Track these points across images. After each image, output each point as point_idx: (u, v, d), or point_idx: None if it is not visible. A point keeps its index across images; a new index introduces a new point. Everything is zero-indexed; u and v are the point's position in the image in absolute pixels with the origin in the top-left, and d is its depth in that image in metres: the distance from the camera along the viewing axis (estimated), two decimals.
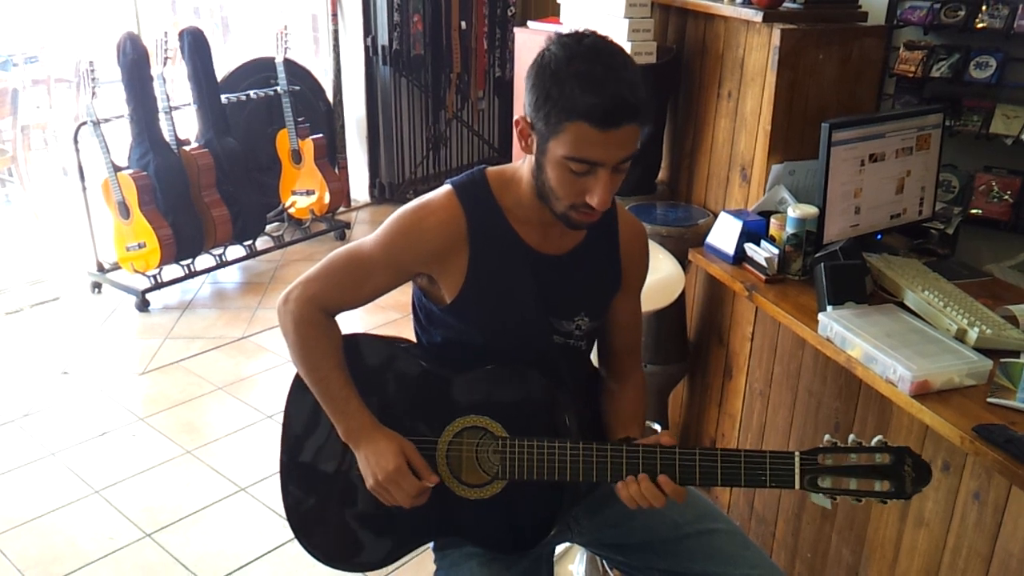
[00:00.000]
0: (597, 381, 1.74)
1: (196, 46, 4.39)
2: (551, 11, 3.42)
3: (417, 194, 1.55)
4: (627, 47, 2.53)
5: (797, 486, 1.40)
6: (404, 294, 1.64)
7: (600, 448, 1.45)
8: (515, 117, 1.43)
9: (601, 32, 1.40)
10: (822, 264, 1.92)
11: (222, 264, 4.57)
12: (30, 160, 6.06)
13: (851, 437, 1.40)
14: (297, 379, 1.59)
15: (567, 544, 2.41)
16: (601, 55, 1.34)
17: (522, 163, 1.51)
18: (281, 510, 1.64)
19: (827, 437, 1.41)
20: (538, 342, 1.56)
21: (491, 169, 1.55)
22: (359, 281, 1.54)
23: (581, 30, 1.39)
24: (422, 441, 1.53)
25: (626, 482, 1.43)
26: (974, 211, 3.25)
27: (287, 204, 4.96)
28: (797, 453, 1.40)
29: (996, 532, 1.71)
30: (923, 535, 1.91)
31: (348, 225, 5.21)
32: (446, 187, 1.53)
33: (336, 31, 5.27)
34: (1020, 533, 1.66)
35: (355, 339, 1.59)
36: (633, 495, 1.43)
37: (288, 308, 1.54)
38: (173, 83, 4.40)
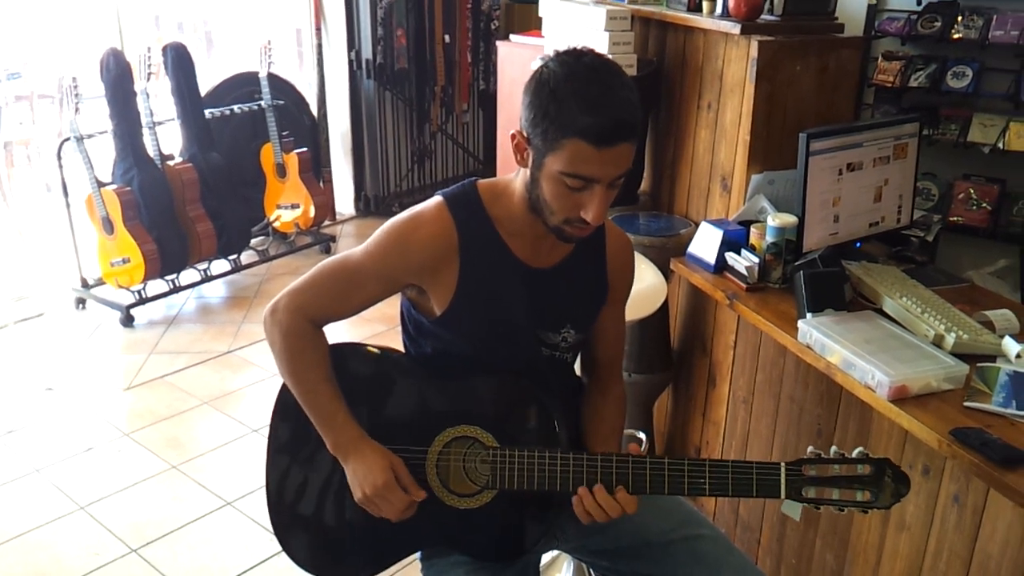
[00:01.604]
0: (581, 392, 1.75)
1: (179, 61, 4.40)
2: (534, 25, 3.45)
3: (403, 207, 1.56)
4: None
5: (783, 496, 1.42)
6: (390, 307, 1.66)
7: (590, 458, 1.47)
8: (511, 131, 1.44)
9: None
10: (801, 272, 1.95)
11: (207, 279, 4.56)
12: (13, 177, 6.04)
13: (833, 448, 1.43)
14: (282, 392, 1.60)
15: (554, 553, 2.42)
16: (599, 74, 1.36)
17: (514, 176, 1.53)
18: (268, 524, 1.64)
19: (811, 448, 1.43)
20: (526, 354, 1.58)
21: (482, 182, 1.57)
22: (348, 292, 1.54)
23: (579, 47, 1.41)
24: (412, 451, 1.54)
25: (581, 494, 1.46)
26: (953, 219, 3.28)
27: (272, 218, 4.96)
28: (783, 464, 1.42)
29: (975, 534, 1.73)
30: (905, 539, 1.93)
31: (333, 238, 5.22)
32: (437, 199, 1.54)
33: (320, 45, 5.29)
34: (998, 535, 1.69)
35: (343, 349, 1.60)
36: (589, 507, 1.46)
37: (276, 319, 1.54)
38: (157, 98, 4.39)
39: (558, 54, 1.40)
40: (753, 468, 1.44)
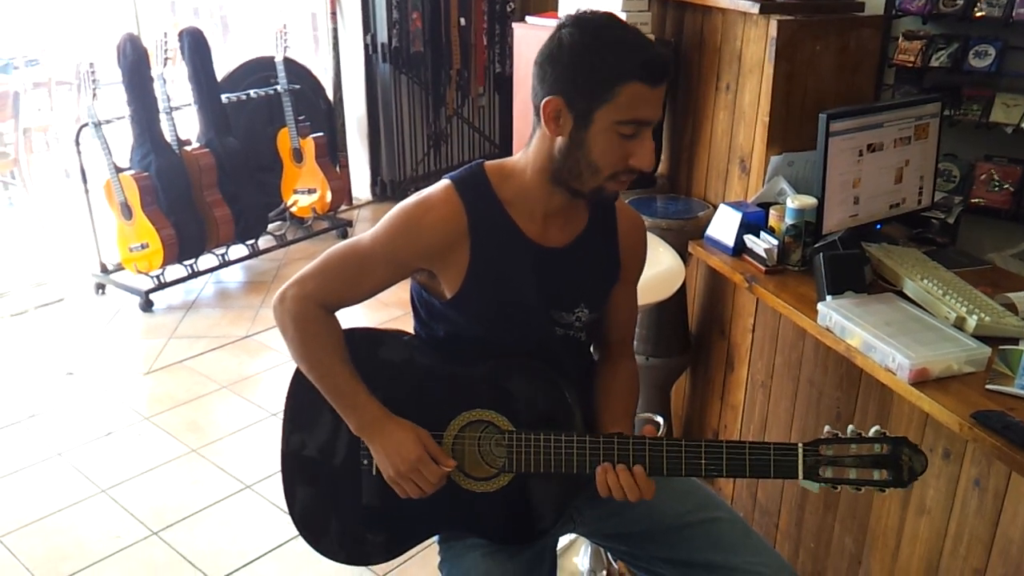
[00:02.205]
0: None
1: (196, 46, 4.40)
2: (550, 6, 3.43)
3: (418, 191, 1.55)
4: None
5: (800, 477, 1.41)
6: (406, 290, 1.65)
7: (607, 441, 1.47)
8: (545, 99, 1.41)
9: None
10: (821, 254, 1.93)
11: (225, 264, 4.59)
12: (32, 163, 6.08)
13: (850, 428, 1.41)
14: (295, 376, 1.60)
15: (572, 536, 2.43)
16: (618, 22, 1.41)
17: (522, 155, 1.52)
18: (287, 507, 1.65)
19: (827, 428, 1.42)
20: (540, 334, 1.57)
21: (489, 163, 1.56)
22: (358, 277, 1.54)
23: (582, 9, 1.43)
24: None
25: (605, 468, 1.46)
26: (975, 200, 3.24)
27: (289, 203, 4.97)
28: (800, 444, 1.41)
29: (997, 518, 1.72)
30: (925, 523, 1.92)
31: (350, 223, 5.22)
32: (445, 182, 1.54)
33: (335, 29, 5.28)
34: (1020, 519, 1.67)
35: (355, 334, 1.59)
36: (610, 483, 1.45)
37: (285, 306, 1.53)
38: (173, 83, 4.41)
39: (571, 18, 1.42)
40: (770, 449, 1.43)
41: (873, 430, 1.41)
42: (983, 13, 3.12)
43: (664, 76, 1.39)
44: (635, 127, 1.40)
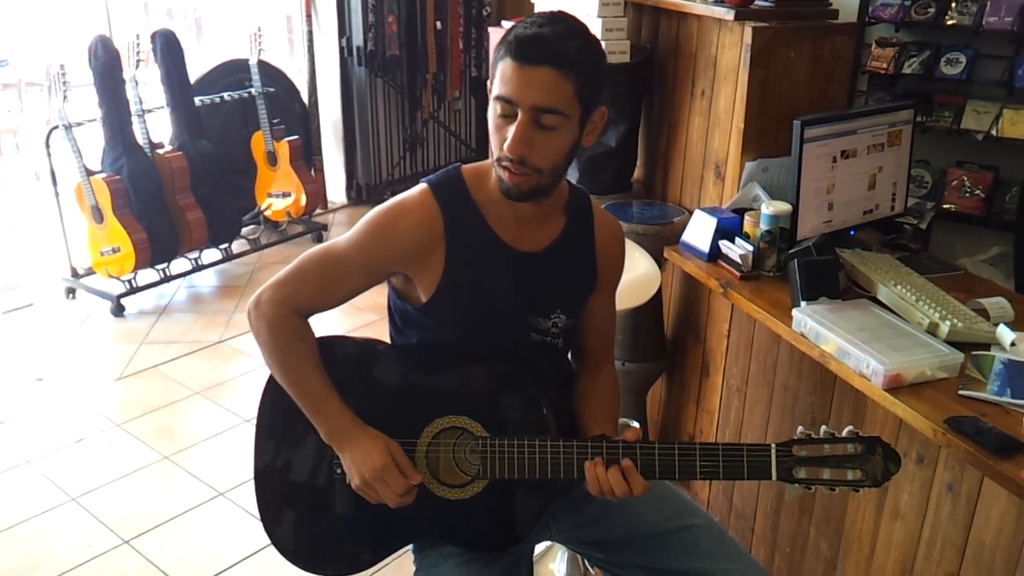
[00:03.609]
0: (573, 378, 1.74)
1: (169, 48, 4.36)
2: (526, 11, 3.43)
3: (394, 195, 1.55)
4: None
5: (774, 477, 1.42)
6: (381, 295, 1.64)
7: (580, 445, 1.46)
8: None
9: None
10: (795, 260, 1.94)
11: (198, 268, 4.54)
12: (1, 165, 6.00)
13: (823, 428, 1.42)
14: (269, 384, 1.58)
15: (548, 543, 2.42)
16: (555, 14, 1.41)
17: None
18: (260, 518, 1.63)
19: (800, 428, 1.43)
20: (515, 340, 1.56)
21: (466, 167, 1.56)
22: (333, 282, 1.53)
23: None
24: (401, 443, 1.52)
25: (594, 463, 1.44)
26: (947, 206, 3.28)
27: (263, 207, 4.93)
28: (773, 445, 1.42)
29: (969, 523, 1.73)
30: (899, 527, 1.93)
31: (325, 227, 5.19)
32: (422, 186, 1.53)
33: (310, 32, 5.25)
34: (992, 524, 1.68)
35: (329, 341, 1.58)
36: (599, 477, 1.44)
37: (260, 311, 1.52)
38: (146, 86, 4.37)
39: None
40: (743, 450, 1.43)
41: (847, 430, 1.41)
42: (954, 21, 3.16)
43: (530, 58, 1.34)
44: (504, 106, 1.38)
